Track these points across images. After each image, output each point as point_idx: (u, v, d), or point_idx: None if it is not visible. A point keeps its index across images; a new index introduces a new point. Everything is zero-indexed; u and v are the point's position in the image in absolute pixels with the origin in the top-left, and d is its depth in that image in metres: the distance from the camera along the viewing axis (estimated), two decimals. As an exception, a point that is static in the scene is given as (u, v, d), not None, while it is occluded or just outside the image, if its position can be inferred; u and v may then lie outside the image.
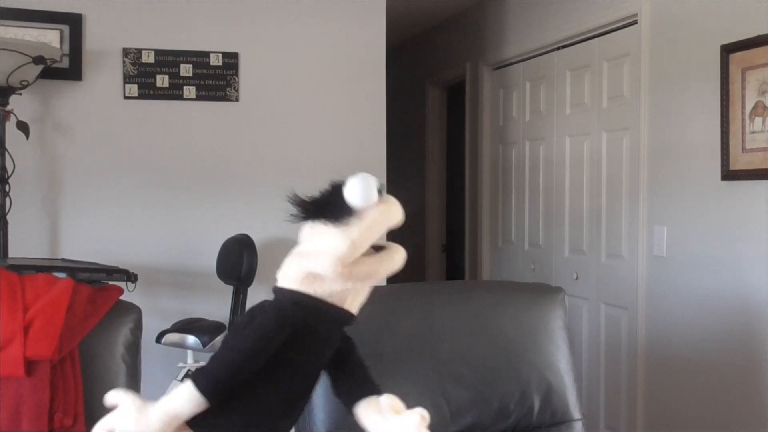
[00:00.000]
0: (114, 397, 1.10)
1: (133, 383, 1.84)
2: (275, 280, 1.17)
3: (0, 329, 1.66)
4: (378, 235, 1.15)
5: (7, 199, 2.95)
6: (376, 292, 2.08)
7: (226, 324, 3.26)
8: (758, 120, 2.69)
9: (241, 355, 1.09)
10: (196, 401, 1.06)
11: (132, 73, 3.40)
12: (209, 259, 3.40)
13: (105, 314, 1.82)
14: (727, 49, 2.80)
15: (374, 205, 1.13)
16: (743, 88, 2.74)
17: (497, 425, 1.84)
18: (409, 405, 1.18)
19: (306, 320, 1.15)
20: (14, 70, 2.83)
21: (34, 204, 3.27)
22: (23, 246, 3.17)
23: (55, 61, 3.00)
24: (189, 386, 1.06)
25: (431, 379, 1.80)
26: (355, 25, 3.74)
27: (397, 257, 1.21)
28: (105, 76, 3.38)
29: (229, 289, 3.29)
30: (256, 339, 1.10)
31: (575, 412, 1.94)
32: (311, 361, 1.20)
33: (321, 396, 1.75)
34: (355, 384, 1.27)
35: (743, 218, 2.79)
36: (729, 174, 2.82)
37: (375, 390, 1.27)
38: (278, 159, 3.62)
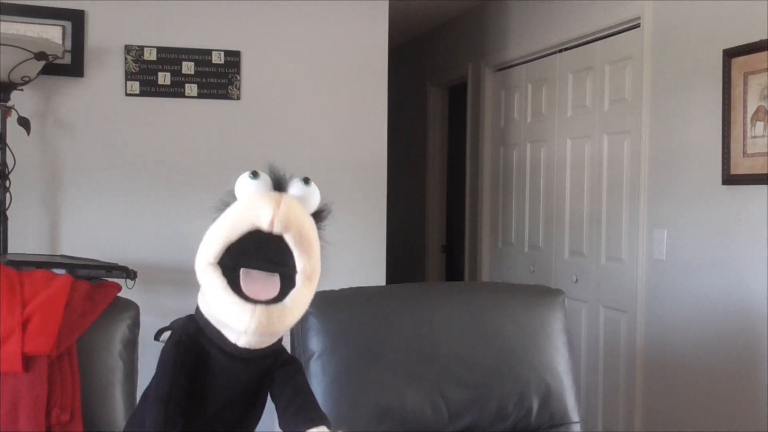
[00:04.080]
0: None
1: (130, 380, 1.84)
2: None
3: (-2, 325, 1.66)
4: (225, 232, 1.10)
5: (8, 194, 2.95)
6: (376, 292, 2.08)
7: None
8: (759, 125, 2.69)
9: (158, 403, 1.10)
10: None
11: (134, 70, 3.39)
12: (209, 257, 3.38)
13: (103, 311, 1.82)
14: (729, 53, 2.80)
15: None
16: (745, 92, 2.74)
17: (496, 426, 1.84)
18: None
19: (201, 345, 1.14)
20: (16, 66, 2.83)
21: (35, 200, 3.27)
22: (23, 242, 3.17)
23: (56, 57, 2.99)
24: None
25: (430, 379, 1.80)
26: (358, 25, 3.73)
27: None
28: (107, 72, 3.38)
29: (229, 287, 3.28)
30: (165, 381, 1.11)
31: (574, 415, 1.94)
32: (224, 388, 1.14)
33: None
34: (295, 413, 1.17)
35: (744, 223, 2.79)
36: (730, 178, 2.82)
37: (318, 420, 1.16)
38: (279, 158, 3.58)
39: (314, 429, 1.14)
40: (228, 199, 1.14)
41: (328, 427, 1.16)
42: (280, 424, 1.18)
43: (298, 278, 1.10)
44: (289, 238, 1.08)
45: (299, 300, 1.10)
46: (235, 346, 1.12)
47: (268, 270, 1.08)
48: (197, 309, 1.17)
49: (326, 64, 3.69)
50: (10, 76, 2.85)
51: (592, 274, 3.73)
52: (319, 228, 1.14)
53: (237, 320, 1.06)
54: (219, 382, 1.15)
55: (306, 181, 1.11)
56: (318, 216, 1.14)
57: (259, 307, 1.06)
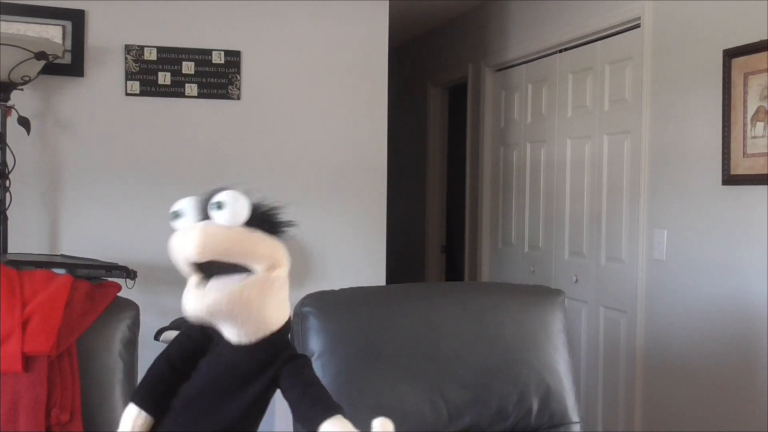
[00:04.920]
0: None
1: (130, 380, 1.84)
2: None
3: (-2, 324, 1.66)
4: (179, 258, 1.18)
5: (8, 194, 2.95)
6: (376, 292, 2.08)
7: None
8: (759, 125, 2.69)
9: (157, 361, 1.26)
10: (134, 413, 1.21)
11: (134, 70, 3.40)
12: (209, 257, 3.39)
13: (103, 311, 1.82)
14: (730, 54, 2.80)
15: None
16: (745, 92, 2.74)
17: (495, 426, 1.84)
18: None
19: (213, 335, 1.25)
20: (16, 66, 2.83)
21: (35, 200, 3.27)
22: (23, 241, 3.17)
23: (57, 57, 2.99)
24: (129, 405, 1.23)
25: (430, 379, 1.80)
26: (358, 25, 3.73)
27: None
28: (107, 72, 3.38)
29: (229, 287, 3.28)
30: (170, 347, 1.27)
31: (573, 415, 1.94)
32: (210, 366, 1.22)
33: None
34: (310, 405, 1.17)
35: (744, 223, 2.79)
36: (730, 178, 2.82)
37: (335, 409, 1.17)
38: (279, 158, 3.62)
39: (331, 419, 1.15)
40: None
41: (344, 415, 1.17)
42: (295, 417, 1.20)
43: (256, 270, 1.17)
44: (220, 259, 1.15)
45: (231, 285, 1.15)
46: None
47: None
48: None
49: (326, 64, 3.69)
50: (10, 75, 2.85)
51: (592, 274, 3.73)
52: (267, 224, 1.18)
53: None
54: (208, 359, 1.23)
55: (219, 205, 1.15)
56: (260, 218, 1.17)
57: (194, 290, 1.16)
